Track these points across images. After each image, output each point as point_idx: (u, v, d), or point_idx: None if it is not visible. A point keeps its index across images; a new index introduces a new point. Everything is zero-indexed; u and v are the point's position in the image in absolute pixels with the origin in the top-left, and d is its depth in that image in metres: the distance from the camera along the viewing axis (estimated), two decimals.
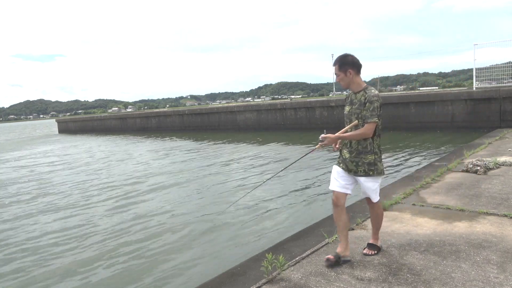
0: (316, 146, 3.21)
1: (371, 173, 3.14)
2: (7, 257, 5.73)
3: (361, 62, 3.16)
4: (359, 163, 3.15)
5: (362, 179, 3.19)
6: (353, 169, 3.18)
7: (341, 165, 3.28)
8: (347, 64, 3.12)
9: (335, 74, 3.18)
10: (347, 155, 3.22)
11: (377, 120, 3.03)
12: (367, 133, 3.05)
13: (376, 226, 3.43)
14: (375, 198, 3.28)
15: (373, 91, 3.08)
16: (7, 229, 7.14)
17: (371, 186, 3.20)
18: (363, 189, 3.26)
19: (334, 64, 3.17)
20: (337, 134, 3.14)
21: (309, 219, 6.05)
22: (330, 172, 3.42)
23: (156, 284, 4.52)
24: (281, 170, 4.16)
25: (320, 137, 3.10)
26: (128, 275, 4.78)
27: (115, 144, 24.10)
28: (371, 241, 3.46)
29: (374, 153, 3.14)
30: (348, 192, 3.25)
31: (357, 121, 3.10)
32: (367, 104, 3.04)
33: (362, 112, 3.07)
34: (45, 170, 14.66)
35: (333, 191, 3.26)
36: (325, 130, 3.19)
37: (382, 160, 3.24)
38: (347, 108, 3.26)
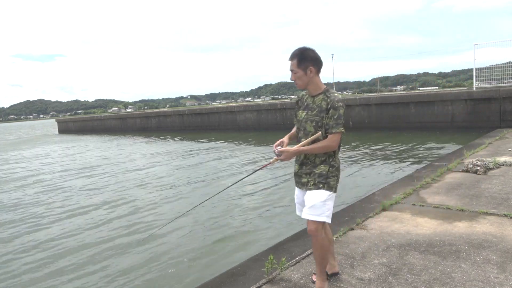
0: (271, 161, 2.70)
1: (321, 185, 2.58)
2: None
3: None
4: (311, 174, 2.63)
5: (309, 193, 2.63)
6: (305, 182, 2.67)
7: (297, 184, 2.79)
8: (308, 60, 2.57)
9: (291, 70, 2.61)
10: (297, 168, 2.73)
11: (343, 130, 2.55)
12: (332, 145, 2.56)
13: (318, 259, 2.70)
14: (317, 215, 2.56)
15: (336, 94, 2.58)
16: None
17: (315, 198, 2.57)
18: (306, 204, 2.62)
19: (291, 59, 2.60)
20: (296, 147, 2.61)
21: None
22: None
23: (156, 284, 4.51)
24: (228, 187, 3.39)
25: (276, 150, 2.61)
26: (126, 276, 4.78)
27: (114, 145, 24.09)
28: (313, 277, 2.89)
29: (330, 165, 2.62)
30: None
31: (320, 132, 2.56)
32: (331, 111, 2.52)
33: (324, 120, 2.55)
34: (44, 170, 14.66)
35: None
36: (283, 142, 2.71)
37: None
38: (301, 114, 2.70)
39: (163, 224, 6.55)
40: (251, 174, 3.18)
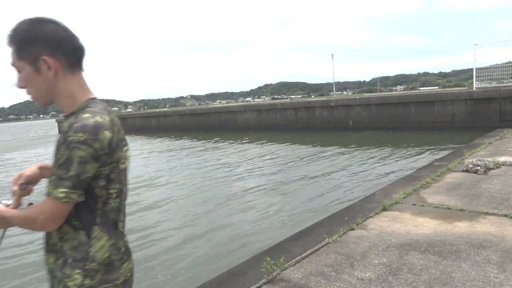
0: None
1: None
2: None
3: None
4: (55, 283, 1.33)
5: None
6: None
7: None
8: (40, 42, 1.28)
9: (12, 65, 1.33)
10: (51, 260, 1.34)
11: (63, 195, 1.20)
12: (37, 219, 1.24)
13: None
14: None
15: (87, 115, 1.26)
16: None
17: None
18: None
19: (8, 43, 1.31)
20: (7, 209, 1.32)
21: (308, 219, 6.05)
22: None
23: (156, 284, 4.52)
24: None
25: None
26: None
27: None
28: None
29: (86, 270, 1.27)
30: None
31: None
32: (60, 151, 1.23)
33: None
34: None
35: None
36: (22, 176, 1.43)
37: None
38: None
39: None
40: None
